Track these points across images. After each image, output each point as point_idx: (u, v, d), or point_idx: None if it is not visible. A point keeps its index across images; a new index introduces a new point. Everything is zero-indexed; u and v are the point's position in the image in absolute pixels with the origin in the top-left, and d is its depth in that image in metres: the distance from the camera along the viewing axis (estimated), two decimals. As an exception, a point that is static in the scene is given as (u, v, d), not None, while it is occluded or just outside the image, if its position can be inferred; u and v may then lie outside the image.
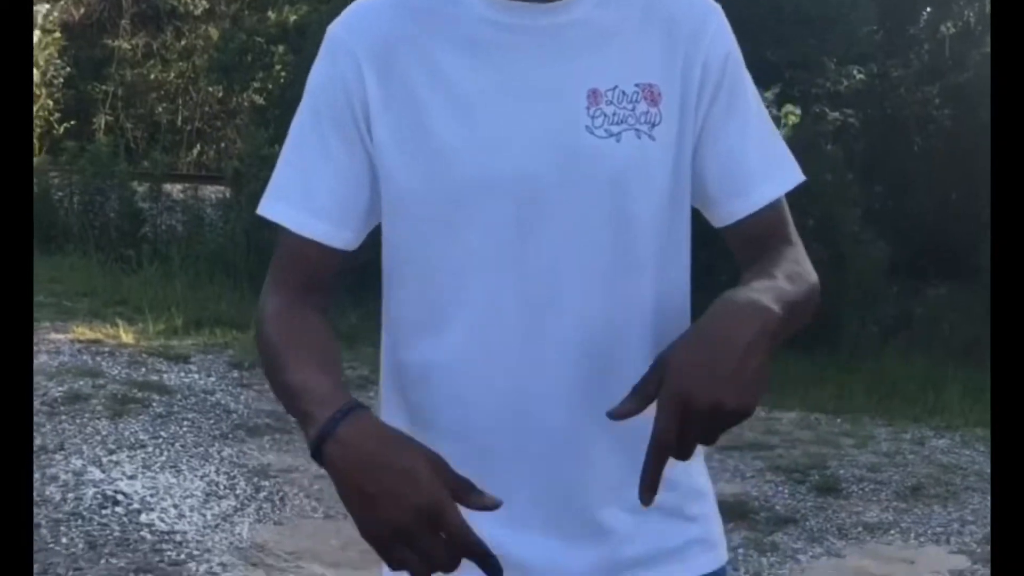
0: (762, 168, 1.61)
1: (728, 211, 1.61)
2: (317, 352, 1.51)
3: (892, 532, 5.38)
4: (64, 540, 4.71)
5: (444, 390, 1.55)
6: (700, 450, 1.59)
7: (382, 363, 1.66)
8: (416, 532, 1.27)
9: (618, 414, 1.36)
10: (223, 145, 14.54)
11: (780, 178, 1.63)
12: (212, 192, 11.75)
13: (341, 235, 1.58)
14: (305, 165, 1.58)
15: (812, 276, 1.57)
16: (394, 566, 1.30)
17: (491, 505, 1.28)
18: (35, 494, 5.13)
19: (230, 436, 6.22)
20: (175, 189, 11.53)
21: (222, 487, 5.48)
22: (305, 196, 1.57)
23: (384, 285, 1.63)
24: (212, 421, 6.44)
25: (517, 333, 1.52)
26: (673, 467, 1.43)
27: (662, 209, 1.56)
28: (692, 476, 1.63)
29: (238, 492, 5.42)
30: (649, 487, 1.35)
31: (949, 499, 5.82)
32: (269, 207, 1.60)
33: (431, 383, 1.56)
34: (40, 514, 4.92)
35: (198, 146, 14.60)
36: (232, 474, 5.65)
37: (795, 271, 1.53)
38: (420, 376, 1.57)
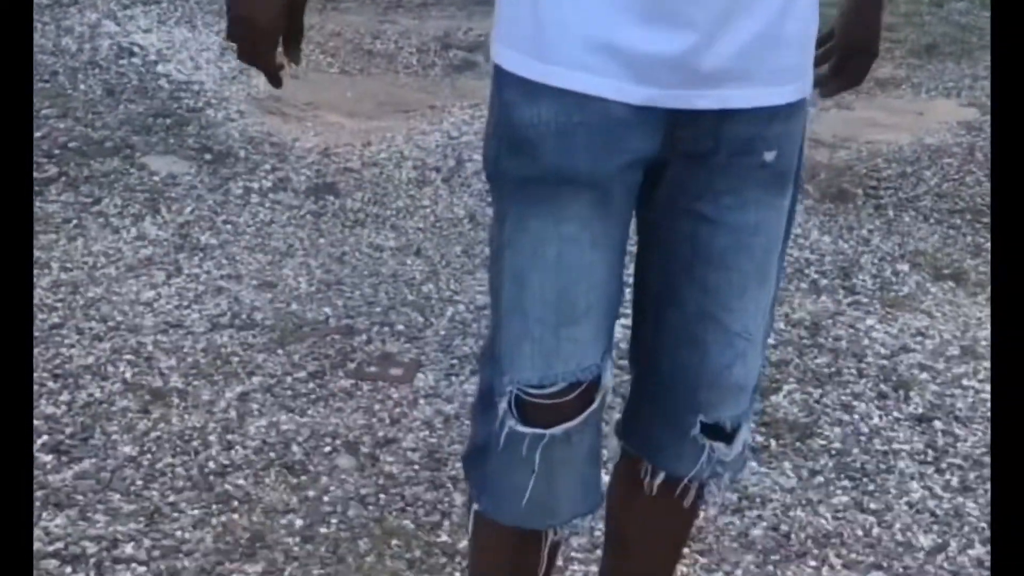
0: None
1: None
2: None
3: (903, 87, 5.40)
4: (82, 87, 4.77)
5: None
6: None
7: None
8: (247, 39, 1.60)
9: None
10: None
11: None
12: None
13: None
14: None
15: None
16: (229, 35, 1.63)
17: (295, 63, 1.65)
18: (51, 44, 5.17)
19: (244, -6, 6.16)
20: None
21: (237, 42, 5.48)
22: None
23: None
24: (225, -19, 6.38)
25: None
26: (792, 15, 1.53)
27: None
28: (811, 21, 1.64)
29: (253, 47, 5.42)
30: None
31: (963, 56, 5.81)
32: None
33: None
34: (57, 63, 4.97)
35: None
36: (247, 30, 5.63)
37: None
38: None
